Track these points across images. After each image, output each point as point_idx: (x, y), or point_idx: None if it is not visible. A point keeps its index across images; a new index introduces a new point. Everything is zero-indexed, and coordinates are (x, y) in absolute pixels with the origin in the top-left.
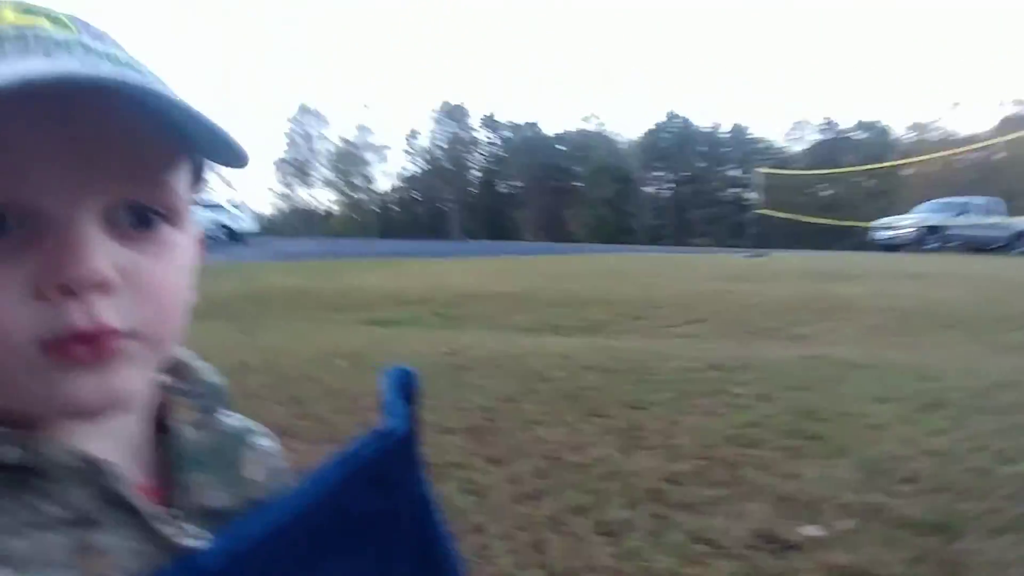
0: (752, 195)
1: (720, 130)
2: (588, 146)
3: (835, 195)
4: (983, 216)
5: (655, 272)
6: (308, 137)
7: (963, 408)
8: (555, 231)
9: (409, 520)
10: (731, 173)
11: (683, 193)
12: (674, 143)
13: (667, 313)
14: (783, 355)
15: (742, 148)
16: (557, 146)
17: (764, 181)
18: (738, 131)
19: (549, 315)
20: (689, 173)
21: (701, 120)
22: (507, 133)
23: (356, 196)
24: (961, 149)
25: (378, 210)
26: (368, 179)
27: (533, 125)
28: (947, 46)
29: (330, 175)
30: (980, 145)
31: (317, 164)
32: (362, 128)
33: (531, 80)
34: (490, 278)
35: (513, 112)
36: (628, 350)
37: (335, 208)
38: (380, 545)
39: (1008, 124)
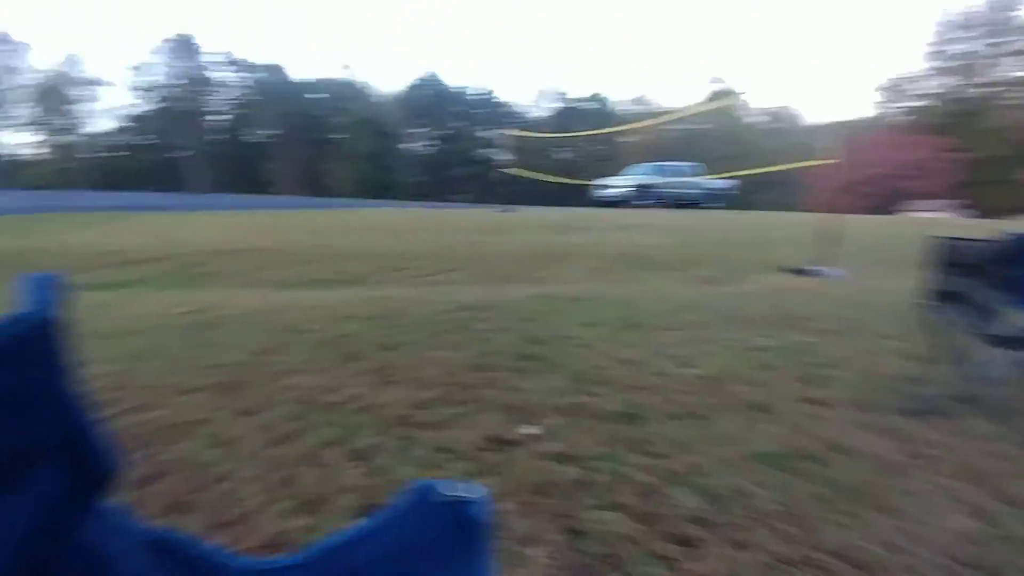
0: (502, 155)
1: (474, 92)
2: (347, 98)
3: (571, 157)
4: (685, 176)
5: (414, 226)
6: (4, 69)
7: (653, 327)
8: (314, 185)
9: (44, 405)
10: (484, 134)
11: (442, 151)
12: (432, 102)
13: (424, 263)
14: (520, 295)
15: (494, 111)
16: (314, 95)
17: (512, 143)
18: (490, 95)
19: (306, 270)
20: (448, 132)
21: (457, 81)
22: (256, 74)
23: (67, 140)
24: (671, 119)
25: (97, 156)
26: (80, 120)
27: (281, 68)
28: (663, 29)
29: (32, 114)
30: (686, 115)
31: (15, 101)
32: (72, 59)
33: (281, 21)
34: (240, 234)
35: (261, 54)
36: (385, 298)
37: (41, 154)
38: (14, 423)
39: (712, 99)
